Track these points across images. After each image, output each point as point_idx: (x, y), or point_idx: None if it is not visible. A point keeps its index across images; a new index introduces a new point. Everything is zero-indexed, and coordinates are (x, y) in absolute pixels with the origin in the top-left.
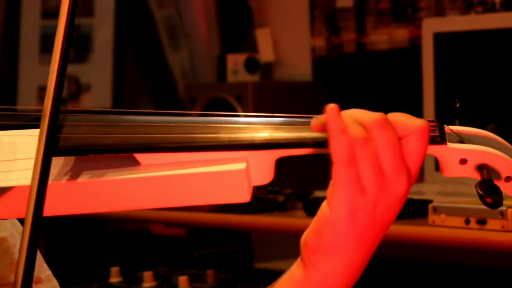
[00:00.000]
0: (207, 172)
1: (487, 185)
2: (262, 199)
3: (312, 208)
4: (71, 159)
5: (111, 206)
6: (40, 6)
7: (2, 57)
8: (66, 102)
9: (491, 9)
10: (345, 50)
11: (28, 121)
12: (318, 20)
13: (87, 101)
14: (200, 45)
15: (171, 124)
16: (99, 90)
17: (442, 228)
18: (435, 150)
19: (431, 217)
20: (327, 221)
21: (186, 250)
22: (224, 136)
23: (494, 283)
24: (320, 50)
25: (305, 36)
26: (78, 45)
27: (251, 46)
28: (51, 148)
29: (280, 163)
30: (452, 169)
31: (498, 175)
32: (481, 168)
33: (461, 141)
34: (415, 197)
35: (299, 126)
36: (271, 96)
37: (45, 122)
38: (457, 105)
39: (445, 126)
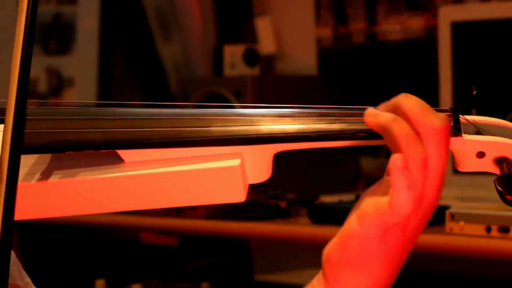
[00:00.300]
0: (198, 169)
1: (508, 180)
2: (263, 204)
3: (317, 214)
4: (47, 156)
5: (91, 209)
6: None
7: None
8: (47, 98)
9: None
10: (353, 41)
11: None
12: (324, 7)
13: (70, 97)
14: (194, 36)
15: (157, 117)
16: (83, 85)
17: (460, 236)
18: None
19: (449, 224)
20: (355, 237)
21: (179, 260)
22: (216, 129)
23: None
24: (326, 41)
25: (309, 26)
26: (60, 36)
27: (251, 37)
28: (18, 145)
29: (282, 164)
30: (468, 163)
31: None
32: (500, 161)
33: (478, 132)
34: None
35: (299, 118)
36: (272, 91)
37: (9, 116)
38: (474, 93)
39: (461, 116)
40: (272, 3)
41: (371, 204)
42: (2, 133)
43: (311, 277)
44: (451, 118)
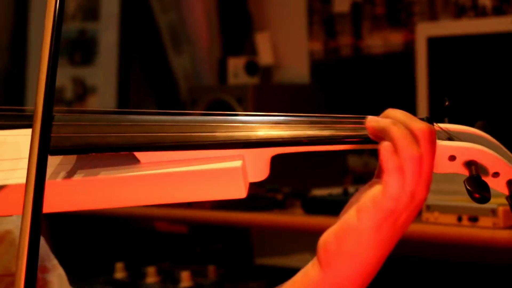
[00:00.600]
0: (205, 169)
1: (475, 181)
2: (262, 197)
3: (309, 206)
4: (73, 157)
5: (111, 203)
6: None
7: (11, 59)
8: (72, 104)
9: (482, 13)
10: (341, 53)
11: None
12: (315, 24)
13: (93, 103)
14: (202, 49)
15: (170, 123)
16: (104, 92)
17: (435, 225)
18: None
19: (425, 214)
20: (353, 230)
21: (188, 246)
22: (221, 134)
23: (486, 279)
24: (318, 53)
25: (303, 40)
26: (84, 49)
27: (251, 50)
28: (44, 147)
29: (279, 162)
30: (441, 165)
31: (486, 171)
32: (469, 164)
33: (450, 139)
34: None
35: (293, 125)
36: (270, 98)
37: (37, 121)
38: (446, 103)
39: (435, 124)
40: (271, 20)
41: (368, 197)
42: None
43: (305, 260)
44: None
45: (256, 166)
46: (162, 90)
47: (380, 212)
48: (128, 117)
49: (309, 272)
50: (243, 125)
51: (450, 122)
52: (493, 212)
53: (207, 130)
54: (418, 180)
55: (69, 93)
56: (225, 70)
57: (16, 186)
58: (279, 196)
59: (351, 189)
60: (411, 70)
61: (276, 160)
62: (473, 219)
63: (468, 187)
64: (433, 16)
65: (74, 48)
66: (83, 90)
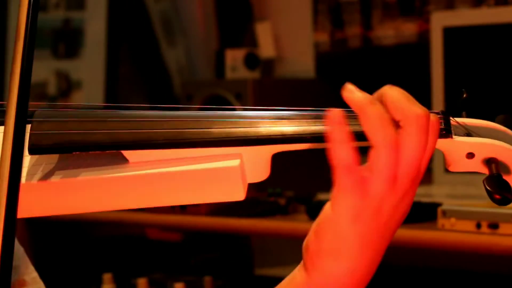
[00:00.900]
0: (199, 169)
1: (496, 180)
2: (263, 202)
3: (315, 211)
4: (55, 157)
5: (97, 207)
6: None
7: None
8: (56, 100)
9: (504, 1)
10: (349, 45)
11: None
12: (321, 13)
13: (78, 99)
14: (197, 40)
15: (160, 119)
16: (90, 88)
17: (452, 232)
18: (441, 143)
19: (441, 221)
20: (329, 222)
21: (182, 255)
22: (217, 130)
23: None
24: (324, 45)
25: (307, 31)
26: (69, 40)
27: (251, 41)
28: (18, 145)
29: (281, 163)
30: (458, 163)
31: (507, 170)
32: (489, 162)
33: (468, 134)
34: (424, 199)
35: (296, 120)
36: (271, 93)
37: (10, 116)
38: (464, 96)
39: (451, 118)
40: (272, 9)
41: (339, 189)
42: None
43: None
44: (442, 121)
45: (255, 165)
46: (154, 85)
47: (352, 198)
48: (115, 112)
49: (296, 276)
50: (241, 120)
51: (468, 116)
52: None
53: (201, 126)
54: (396, 166)
55: (52, 88)
56: (223, 63)
57: None
58: (282, 201)
59: None
60: (426, 63)
61: (278, 161)
62: (493, 226)
63: (487, 187)
64: (449, 4)
65: (58, 39)
66: (68, 85)
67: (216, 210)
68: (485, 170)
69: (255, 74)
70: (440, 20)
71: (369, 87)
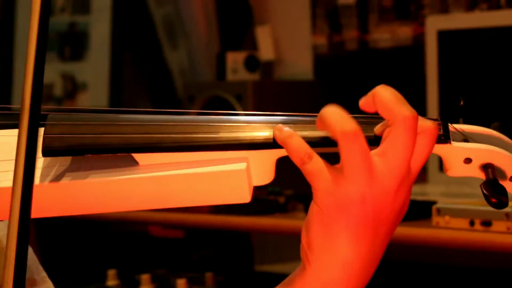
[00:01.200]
0: (207, 172)
1: (492, 184)
2: (263, 200)
3: None
4: (67, 159)
5: (108, 207)
6: None
7: None
8: (62, 102)
9: (496, 6)
10: (347, 48)
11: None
12: (319, 17)
13: (84, 100)
14: (199, 43)
15: (170, 123)
16: (95, 89)
17: (446, 230)
18: (439, 149)
19: (435, 218)
20: (315, 215)
21: (184, 252)
22: (224, 135)
23: (499, 285)
24: (322, 48)
25: (306, 34)
26: (75, 43)
27: (251, 44)
28: (32, 147)
29: (281, 163)
30: (456, 168)
31: (503, 175)
32: (486, 167)
33: (466, 140)
34: (419, 198)
35: (300, 125)
36: (271, 95)
37: (24, 120)
38: (461, 103)
39: (449, 124)
40: (271, 13)
41: (312, 181)
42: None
43: None
44: (441, 127)
45: (261, 169)
46: (157, 87)
47: (335, 192)
48: (126, 116)
49: (296, 275)
50: (248, 125)
51: (465, 121)
52: (507, 216)
53: (209, 130)
54: (367, 163)
55: (58, 90)
56: (224, 66)
57: (8, 189)
58: (281, 199)
59: None
60: (421, 66)
61: (277, 161)
62: (486, 224)
63: (484, 191)
64: (444, 8)
65: (64, 42)
66: (73, 87)
67: (217, 208)
68: (481, 175)
69: (255, 76)
70: (435, 24)
71: (366, 88)
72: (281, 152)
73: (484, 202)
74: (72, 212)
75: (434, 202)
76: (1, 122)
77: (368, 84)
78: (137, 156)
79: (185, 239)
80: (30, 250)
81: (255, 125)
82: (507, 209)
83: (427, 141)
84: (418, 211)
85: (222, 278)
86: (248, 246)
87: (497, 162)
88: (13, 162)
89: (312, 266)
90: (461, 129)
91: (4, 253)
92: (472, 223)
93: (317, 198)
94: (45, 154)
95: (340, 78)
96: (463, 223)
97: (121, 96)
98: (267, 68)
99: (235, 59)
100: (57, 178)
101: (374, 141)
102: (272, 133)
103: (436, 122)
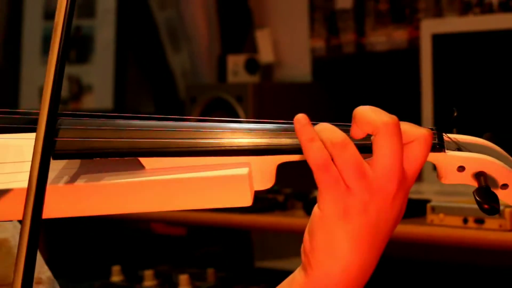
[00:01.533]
0: (211, 176)
1: (485, 192)
2: (262, 198)
3: (311, 207)
4: (77, 162)
5: (116, 209)
6: (42, 7)
7: (4, 58)
8: (68, 103)
9: (489, 10)
10: (344, 51)
11: (28, 123)
12: (317, 21)
13: (89, 102)
14: (201, 46)
15: (176, 129)
16: (100, 91)
17: (440, 227)
18: (434, 157)
19: (430, 216)
20: (318, 220)
21: (186, 249)
22: (228, 141)
23: (492, 282)
24: (320, 51)
25: (304, 37)
26: (80, 46)
27: (251, 47)
28: (48, 151)
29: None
30: (450, 176)
31: (495, 183)
32: (478, 175)
33: (459, 149)
34: (414, 196)
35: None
36: (271, 96)
37: (42, 125)
38: (455, 114)
39: (444, 134)
40: (271, 17)
41: (321, 189)
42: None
43: None
44: (436, 136)
45: (262, 174)
46: (160, 89)
47: (334, 194)
48: (133, 122)
49: (296, 276)
50: (250, 132)
51: (458, 131)
52: (500, 213)
53: (214, 136)
54: (359, 170)
55: (64, 92)
56: (225, 68)
57: (21, 190)
58: (280, 198)
59: None
60: (416, 68)
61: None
62: (479, 221)
63: (477, 198)
64: (438, 12)
65: (69, 45)
66: (79, 89)
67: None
68: (474, 183)
69: (255, 78)
70: (429, 27)
71: (363, 90)
72: (282, 158)
73: None
74: (80, 214)
75: (428, 200)
76: (7, 125)
77: (365, 86)
78: (143, 160)
79: (187, 236)
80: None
81: (257, 132)
82: None
83: (421, 147)
84: (413, 209)
85: (223, 274)
86: (248, 243)
87: (489, 171)
88: (22, 164)
89: (314, 271)
90: (455, 138)
91: (11, 253)
92: (465, 221)
93: (323, 205)
94: (55, 157)
95: (337, 80)
96: (457, 220)
97: (125, 98)
98: (267, 70)
99: (235, 61)
100: (68, 180)
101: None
102: (272, 140)
103: (431, 130)
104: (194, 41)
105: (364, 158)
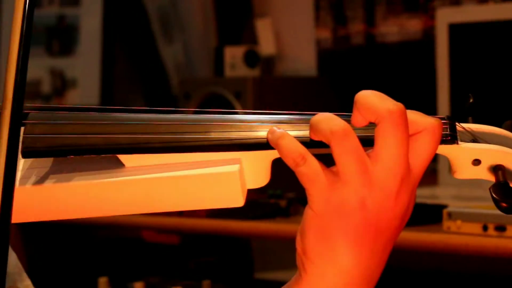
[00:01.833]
0: (197, 174)
1: (502, 188)
2: (263, 203)
3: None
4: (49, 161)
5: (92, 212)
6: None
7: None
8: (50, 99)
9: None
10: (352, 42)
11: None
12: (323, 9)
13: (73, 98)
14: (196, 37)
15: (158, 122)
16: (86, 86)
17: (458, 235)
18: (445, 149)
19: (446, 223)
20: (309, 219)
21: (180, 258)
22: (215, 135)
23: None
24: (326, 42)
25: (309, 27)
26: (64, 37)
27: (251, 38)
28: (13, 149)
29: (281, 163)
30: (464, 170)
31: None
32: (496, 169)
33: (474, 140)
34: (429, 201)
35: (297, 124)
36: (272, 92)
37: (6, 118)
38: (470, 101)
39: (457, 124)
40: (272, 5)
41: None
42: None
43: None
44: (448, 126)
45: (255, 170)
46: (151, 83)
47: (331, 196)
48: (111, 115)
49: (292, 283)
50: (240, 124)
51: (474, 120)
52: None
53: (200, 130)
54: (361, 162)
55: (46, 87)
56: (222, 61)
57: None
58: (283, 203)
59: None
60: (431, 61)
61: (278, 162)
62: (500, 228)
63: (494, 195)
64: (455, 0)
65: (52, 36)
66: (62, 83)
67: (215, 212)
68: (491, 178)
69: (255, 72)
70: (446, 17)
71: (373, 85)
72: (277, 153)
73: None
74: (54, 217)
75: (445, 206)
76: None
77: (375, 81)
78: (122, 157)
79: (180, 244)
80: (14, 257)
81: (249, 124)
82: None
83: (429, 138)
84: (428, 215)
85: (220, 286)
86: (247, 252)
87: (508, 164)
88: None
89: (309, 274)
90: (469, 128)
91: None
92: (485, 228)
93: (312, 203)
94: (25, 155)
95: (345, 74)
96: (476, 228)
97: (112, 93)
98: (268, 63)
99: (233, 54)
100: (38, 181)
101: (370, 142)
102: (265, 133)
103: (440, 119)
104: (188, 31)
105: (366, 150)
